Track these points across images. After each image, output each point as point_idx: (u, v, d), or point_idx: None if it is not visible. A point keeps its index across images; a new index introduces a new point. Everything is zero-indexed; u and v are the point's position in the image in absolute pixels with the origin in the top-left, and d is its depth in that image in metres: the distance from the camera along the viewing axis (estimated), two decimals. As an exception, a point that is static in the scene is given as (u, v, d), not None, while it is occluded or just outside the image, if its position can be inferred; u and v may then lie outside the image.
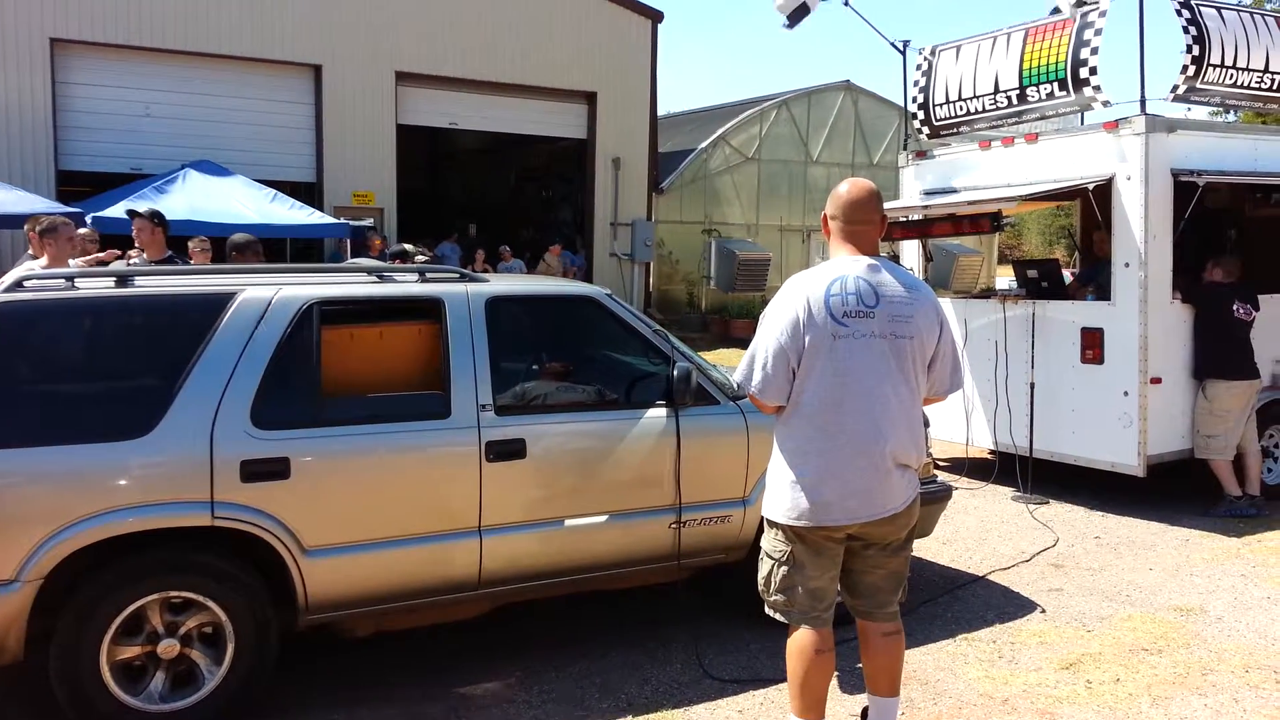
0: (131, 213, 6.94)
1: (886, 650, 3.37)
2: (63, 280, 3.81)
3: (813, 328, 3.10)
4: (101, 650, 3.50)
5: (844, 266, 3.19)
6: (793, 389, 3.17)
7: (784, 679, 4.19)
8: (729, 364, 6.60)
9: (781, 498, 3.23)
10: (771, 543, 3.31)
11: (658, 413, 4.41)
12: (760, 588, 3.37)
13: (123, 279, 3.92)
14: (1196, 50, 7.20)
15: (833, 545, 3.25)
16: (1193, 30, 7.20)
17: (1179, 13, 7.23)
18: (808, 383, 3.14)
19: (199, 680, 3.68)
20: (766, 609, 3.36)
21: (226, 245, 6.30)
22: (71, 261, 6.04)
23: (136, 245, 6.77)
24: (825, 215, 3.33)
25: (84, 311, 3.80)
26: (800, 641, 3.25)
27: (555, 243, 17.25)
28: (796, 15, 8.94)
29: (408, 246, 9.97)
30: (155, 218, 6.61)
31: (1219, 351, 6.94)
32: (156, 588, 3.59)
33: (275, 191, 13.57)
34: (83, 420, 3.60)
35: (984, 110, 8.08)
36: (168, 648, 3.61)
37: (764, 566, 3.35)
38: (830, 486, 3.15)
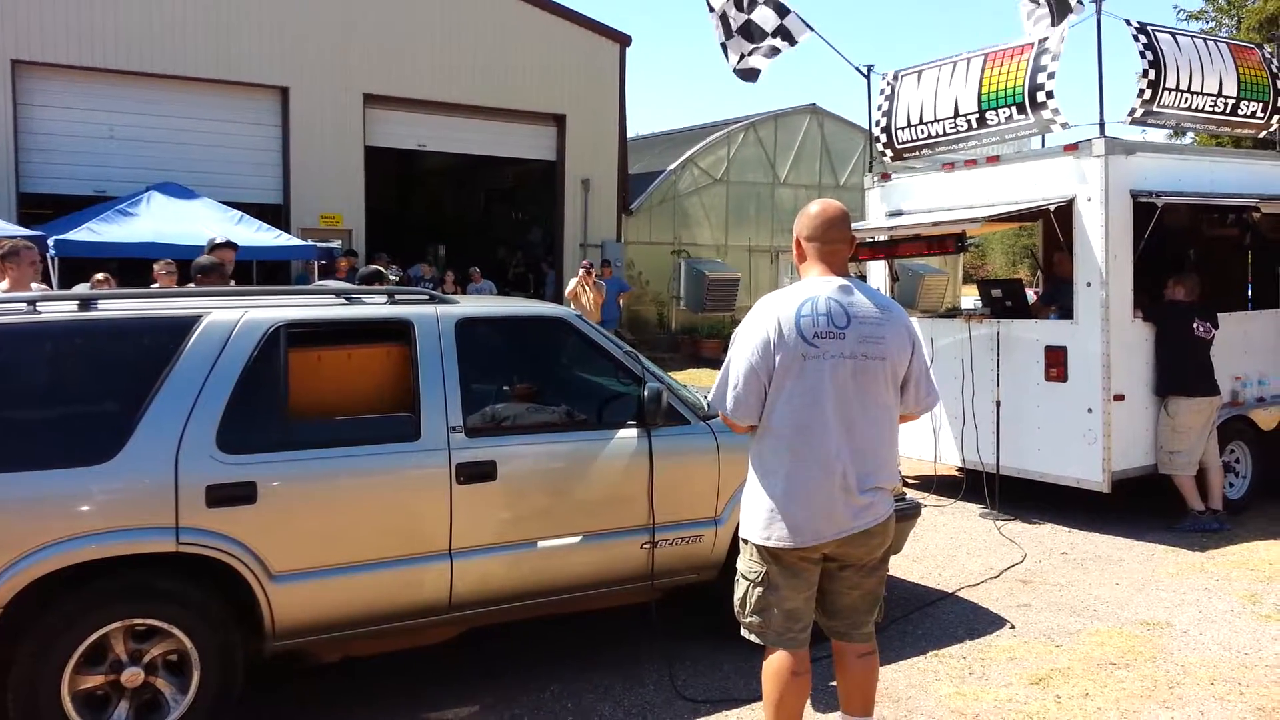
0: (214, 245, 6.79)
1: (862, 671, 3.37)
2: (24, 304, 3.76)
3: (783, 348, 3.11)
4: (63, 680, 3.42)
5: (816, 287, 3.20)
6: (764, 409, 3.18)
7: (758, 699, 4.19)
8: (699, 384, 6.63)
9: (756, 518, 3.23)
10: (747, 563, 3.30)
11: (629, 433, 4.41)
12: (736, 609, 3.36)
13: (85, 302, 3.87)
14: (1153, 74, 7.37)
15: (808, 566, 3.24)
16: (1149, 55, 7.37)
17: (1135, 38, 7.40)
18: (778, 403, 3.14)
19: (164, 709, 3.61)
20: (742, 630, 3.35)
21: (191, 268, 6.24)
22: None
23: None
24: (797, 237, 3.32)
25: (46, 336, 3.75)
26: (776, 664, 3.25)
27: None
28: (749, 76, 9.13)
29: (380, 268, 9.90)
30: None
31: (1180, 369, 7.06)
32: (120, 615, 3.52)
33: (241, 213, 13.46)
34: (45, 446, 3.54)
35: (944, 134, 8.21)
36: (132, 676, 3.54)
37: (739, 588, 3.33)
38: (799, 507, 3.15)
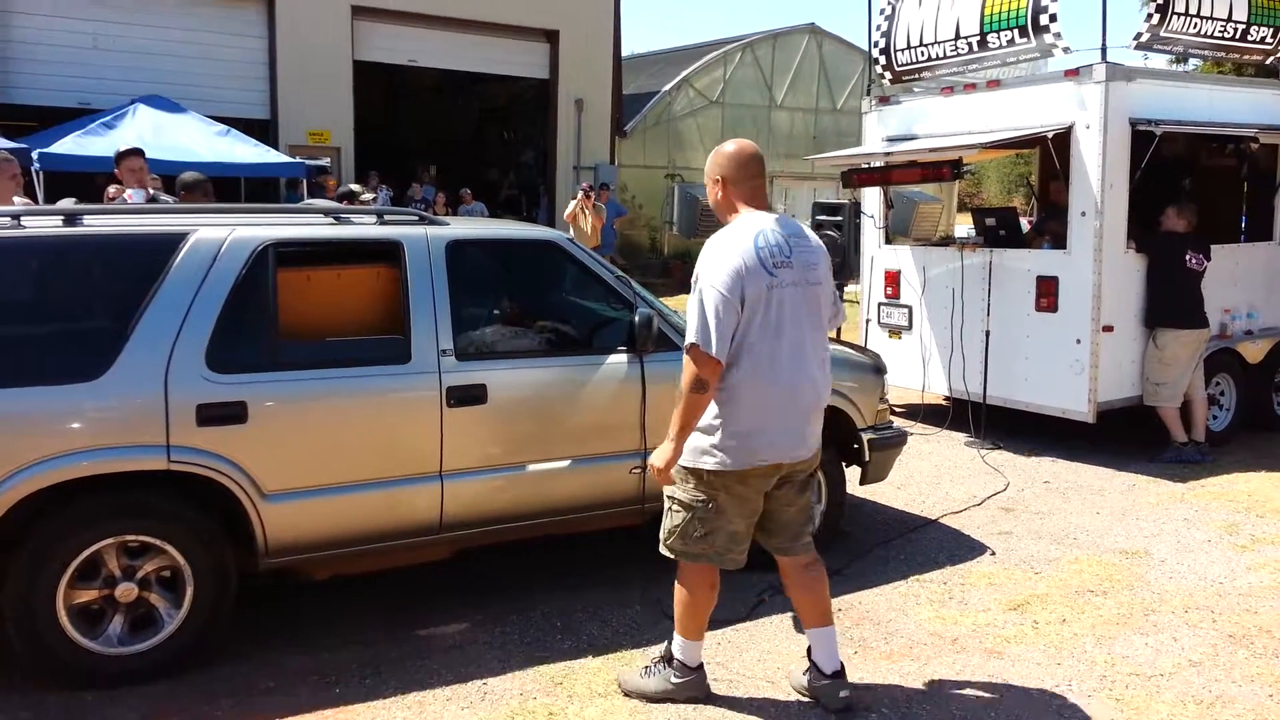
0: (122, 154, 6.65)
1: (813, 581, 3.55)
2: (8, 219, 3.71)
3: (752, 282, 3.22)
4: (58, 594, 3.48)
5: (759, 221, 3.33)
6: (733, 340, 3.24)
7: (741, 619, 4.30)
8: (690, 310, 6.61)
9: (718, 446, 3.31)
10: (692, 493, 3.39)
11: (620, 358, 4.42)
12: (668, 536, 3.47)
13: (71, 218, 3.82)
14: (1161, -1, 7.22)
15: (761, 485, 3.39)
16: (1159, -23, 7.20)
17: (1143, -39, 7.23)
18: (749, 333, 3.25)
19: (158, 623, 3.67)
20: (668, 553, 3.49)
21: (176, 184, 6.14)
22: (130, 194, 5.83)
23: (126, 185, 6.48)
24: (720, 178, 3.39)
25: (31, 251, 3.71)
26: (708, 577, 3.49)
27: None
28: None
29: (354, 187, 9.75)
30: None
31: (1170, 301, 7.07)
32: (113, 531, 3.56)
33: (228, 128, 13.23)
34: (33, 363, 3.53)
35: (945, 56, 8.06)
36: (126, 591, 3.60)
37: (676, 516, 3.44)
38: (771, 428, 3.30)
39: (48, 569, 3.46)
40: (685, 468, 3.38)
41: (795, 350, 3.31)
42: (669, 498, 3.47)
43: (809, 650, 3.61)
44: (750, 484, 3.36)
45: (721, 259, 3.24)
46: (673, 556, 3.49)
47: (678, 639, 3.58)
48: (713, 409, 3.31)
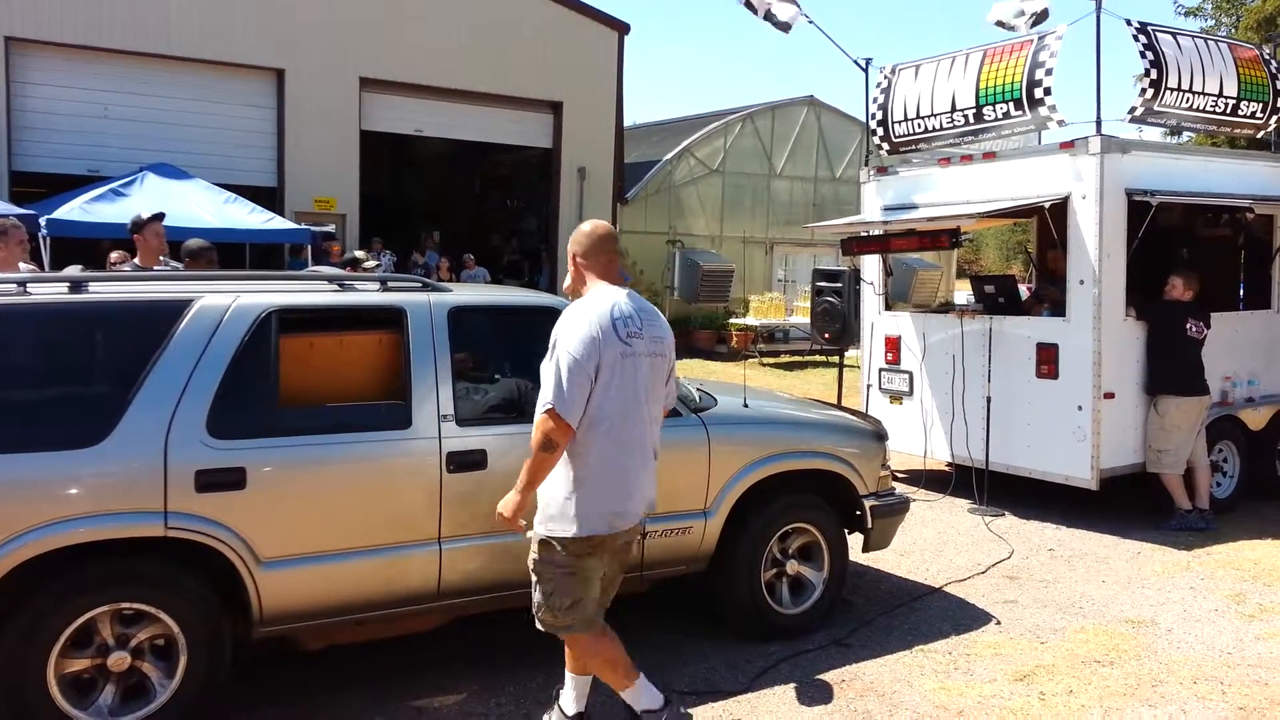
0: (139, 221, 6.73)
1: (613, 639, 3.65)
2: (14, 285, 3.74)
3: (608, 348, 3.38)
4: (49, 663, 3.42)
5: (614, 294, 3.52)
6: (588, 406, 3.37)
7: (743, 690, 4.23)
8: (693, 376, 6.62)
9: (583, 511, 3.40)
10: (561, 559, 3.44)
11: (619, 424, 4.40)
12: (540, 610, 3.52)
13: (76, 284, 3.85)
14: (1155, 74, 7.38)
15: (606, 555, 3.52)
16: (1150, 55, 7.37)
17: (1136, 38, 7.40)
18: (605, 398, 3.38)
19: (150, 693, 3.61)
20: (542, 627, 3.54)
21: (181, 250, 6.21)
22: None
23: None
24: (574, 255, 3.59)
25: (36, 317, 3.73)
26: (595, 639, 3.58)
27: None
28: (782, 27, 9.03)
29: (359, 254, 9.85)
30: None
31: (1171, 368, 7.08)
32: (108, 599, 3.52)
33: (234, 195, 13.39)
34: (34, 428, 3.53)
35: (941, 128, 8.20)
36: (118, 660, 3.55)
37: (545, 586, 3.49)
38: (628, 493, 3.47)
39: (40, 637, 3.41)
40: (549, 538, 3.45)
41: (642, 417, 3.48)
42: (532, 571, 3.54)
43: (556, 692, 3.81)
44: (606, 550, 3.50)
45: (578, 328, 3.40)
46: (555, 633, 3.56)
47: (622, 695, 3.68)
48: (569, 475, 3.41)
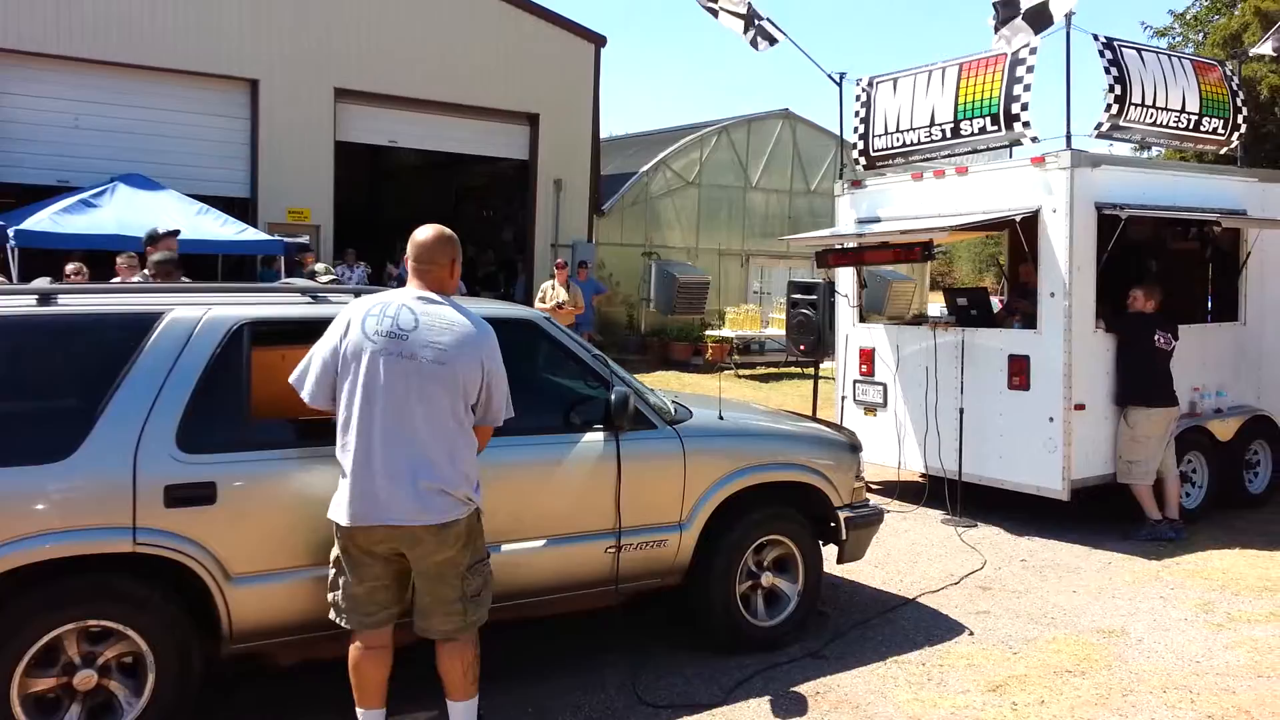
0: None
1: (444, 659, 3.62)
2: (-19, 298, 3.69)
3: (349, 341, 3.47)
4: (12, 682, 3.36)
5: (395, 296, 3.60)
6: (337, 394, 3.48)
7: (720, 703, 4.24)
8: (667, 388, 6.63)
9: (335, 497, 3.52)
10: (335, 544, 3.59)
11: (596, 437, 4.41)
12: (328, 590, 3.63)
13: (45, 296, 3.81)
14: (1119, 90, 7.49)
15: (365, 558, 3.52)
16: (1114, 71, 7.48)
17: (1102, 54, 7.51)
18: (343, 390, 3.48)
19: (118, 712, 3.55)
20: (330, 613, 3.63)
21: (146, 263, 6.19)
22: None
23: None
24: (404, 258, 3.71)
25: (3, 330, 3.68)
26: (362, 649, 3.60)
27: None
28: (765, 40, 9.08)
29: (318, 267, 9.83)
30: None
31: (1140, 379, 7.17)
32: (75, 616, 3.47)
33: (206, 206, 13.29)
34: (1, 442, 3.48)
35: (920, 142, 8.28)
36: (85, 679, 3.49)
37: (331, 568, 3.62)
38: (368, 492, 3.43)
39: (4, 656, 3.35)
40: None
41: (391, 417, 3.42)
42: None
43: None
44: (356, 549, 3.51)
45: (335, 321, 3.57)
46: (333, 618, 3.63)
47: (358, 710, 3.64)
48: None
